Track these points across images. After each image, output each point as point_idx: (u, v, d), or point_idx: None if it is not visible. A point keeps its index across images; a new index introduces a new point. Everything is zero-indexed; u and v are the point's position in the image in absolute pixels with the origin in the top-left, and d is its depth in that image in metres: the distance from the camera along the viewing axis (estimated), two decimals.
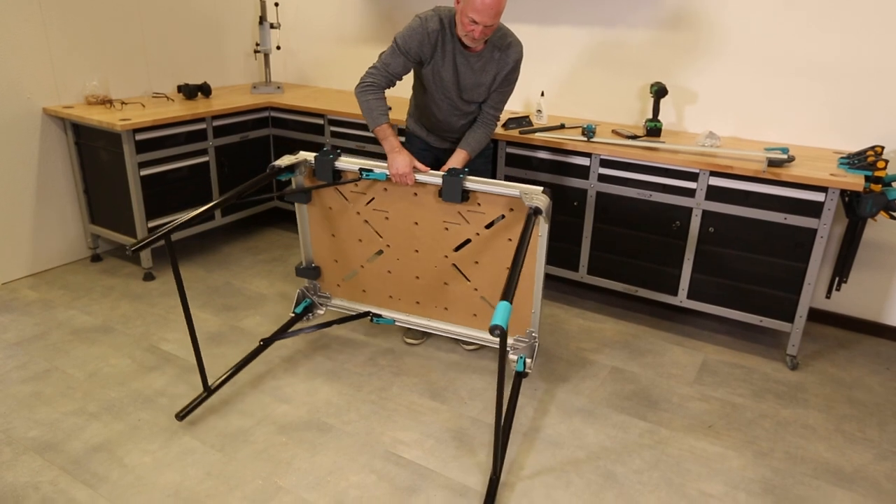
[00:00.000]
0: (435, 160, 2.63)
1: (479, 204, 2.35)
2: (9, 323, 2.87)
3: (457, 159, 2.50)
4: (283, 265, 3.58)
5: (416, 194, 2.42)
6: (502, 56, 2.38)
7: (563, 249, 3.10)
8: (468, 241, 2.43)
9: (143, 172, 3.17)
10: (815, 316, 3.12)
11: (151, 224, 3.27)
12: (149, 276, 3.33)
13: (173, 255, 2.14)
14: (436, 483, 2.02)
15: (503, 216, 2.34)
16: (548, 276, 3.39)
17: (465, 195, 2.32)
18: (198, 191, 3.50)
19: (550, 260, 3.15)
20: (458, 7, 2.23)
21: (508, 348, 2.49)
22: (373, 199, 2.49)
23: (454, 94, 2.45)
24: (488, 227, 2.38)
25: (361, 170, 2.41)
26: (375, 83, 2.38)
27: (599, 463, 2.13)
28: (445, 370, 2.61)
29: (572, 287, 3.41)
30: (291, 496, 1.94)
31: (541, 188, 2.21)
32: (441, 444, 2.19)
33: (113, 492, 1.94)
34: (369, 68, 2.40)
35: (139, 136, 3.11)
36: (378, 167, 2.41)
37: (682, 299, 2.88)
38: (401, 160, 2.33)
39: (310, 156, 2.48)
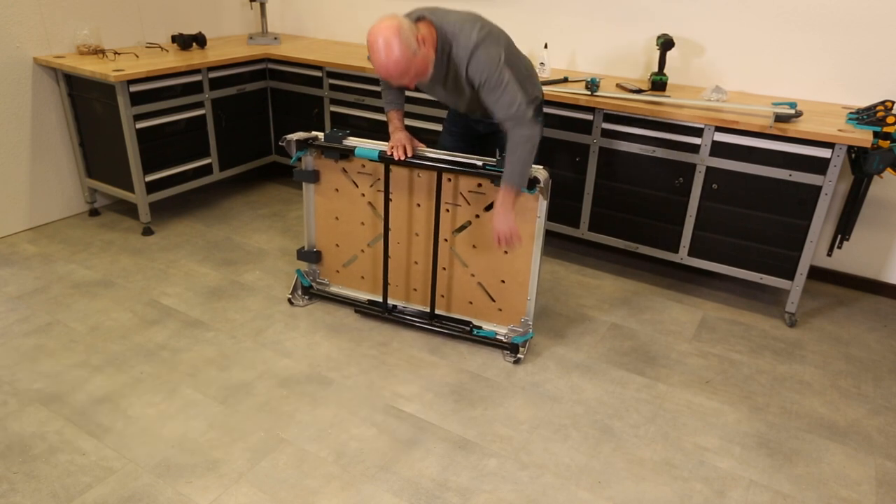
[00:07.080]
0: (465, 127, 2.56)
1: (479, 185, 2.35)
2: (9, 276, 2.87)
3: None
4: (282, 220, 3.56)
5: (419, 175, 2.43)
6: (453, 58, 2.09)
7: (564, 206, 3.07)
8: (468, 223, 2.43)
9: (139, 125, 3.12)
10: (816, 273, 3.11)
11: (149, 178, 3.23)
12: (147, 231, 3.32)
13: None
14: (435, 436, 2.05)
15: None
16: (548, 233, 3.37)
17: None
18: (195, 144, 3.45)
19: (551, 216, 3.12)
20: None
21: (501, 336, 2.51)
22: (378, 179, 2.50)
23: (440, 98, 2.40)
24: (488, 208, 2.38)
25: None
26: (384, 85, 2.45)
27: (597, 417, 2.17)
28: None
29: (573, 244, 3.40)
30: (293, 448, 1.98)
31: (541, 166, 2.23)
32: (440, 398, 2.22)
33: (118, 442, 1.97)
34: None
35: (134, 88, 3.05)
36: (383, 146, 2.44)
37: (682, 256, 2.87)
38: (395, 136, 2.38)
39: (319, 134, 2.53)
